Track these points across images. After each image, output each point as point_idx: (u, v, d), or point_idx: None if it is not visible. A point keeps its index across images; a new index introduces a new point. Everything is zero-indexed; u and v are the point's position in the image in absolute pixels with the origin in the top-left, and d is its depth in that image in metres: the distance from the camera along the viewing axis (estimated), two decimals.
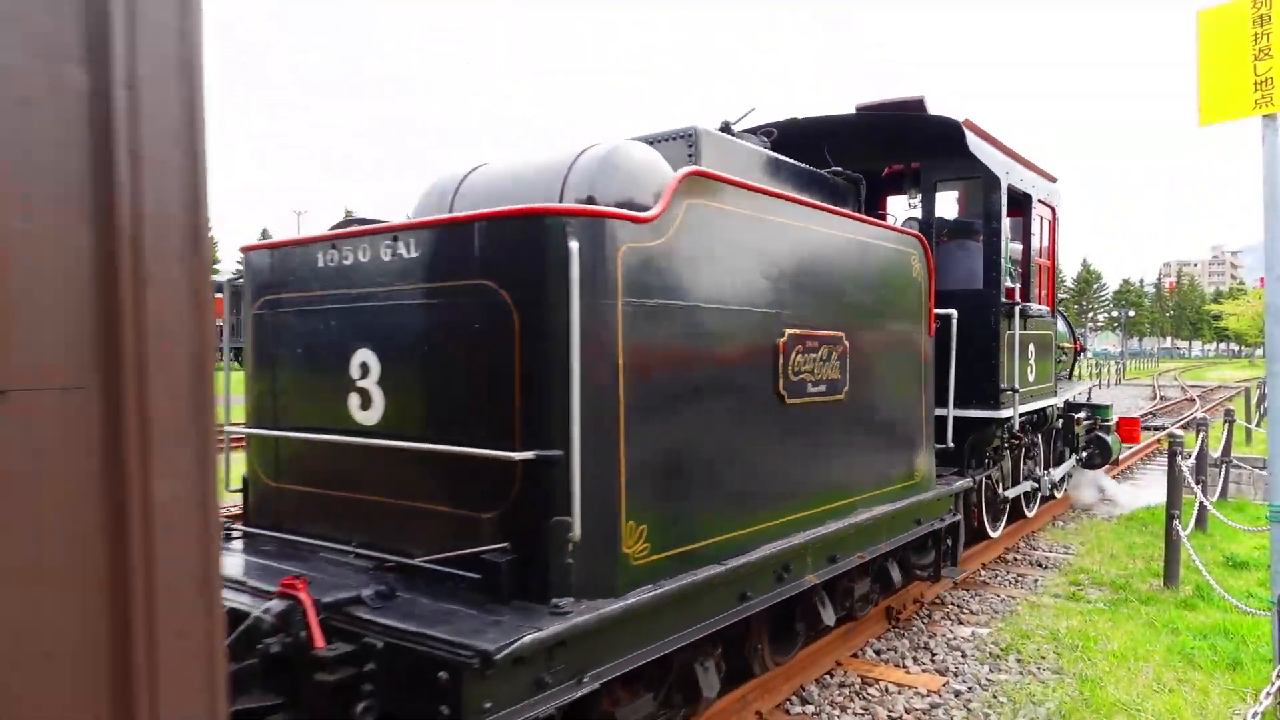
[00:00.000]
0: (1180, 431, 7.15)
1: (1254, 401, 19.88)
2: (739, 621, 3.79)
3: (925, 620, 6.07)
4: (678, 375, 3.51)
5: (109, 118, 1.06)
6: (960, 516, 6.12)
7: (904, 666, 5.23)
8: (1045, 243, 7.94)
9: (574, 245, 3.03)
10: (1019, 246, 7.52)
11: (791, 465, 4.22)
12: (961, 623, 6.05)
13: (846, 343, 4.59)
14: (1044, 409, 8.06)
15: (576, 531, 3.01)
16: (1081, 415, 9.89)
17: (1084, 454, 9.96)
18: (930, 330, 5.61)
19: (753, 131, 5.65)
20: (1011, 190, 6.76)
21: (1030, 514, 8.74)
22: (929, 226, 6.71)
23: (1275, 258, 4.53)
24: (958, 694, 4.81)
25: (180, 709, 1.13)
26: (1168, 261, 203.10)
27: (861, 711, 4.60)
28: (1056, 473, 9.05)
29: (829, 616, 4.63)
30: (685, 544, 3.53)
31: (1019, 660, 5.27)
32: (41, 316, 1.02)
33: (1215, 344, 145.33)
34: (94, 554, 1.06)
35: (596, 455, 3.14)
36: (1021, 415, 6.97)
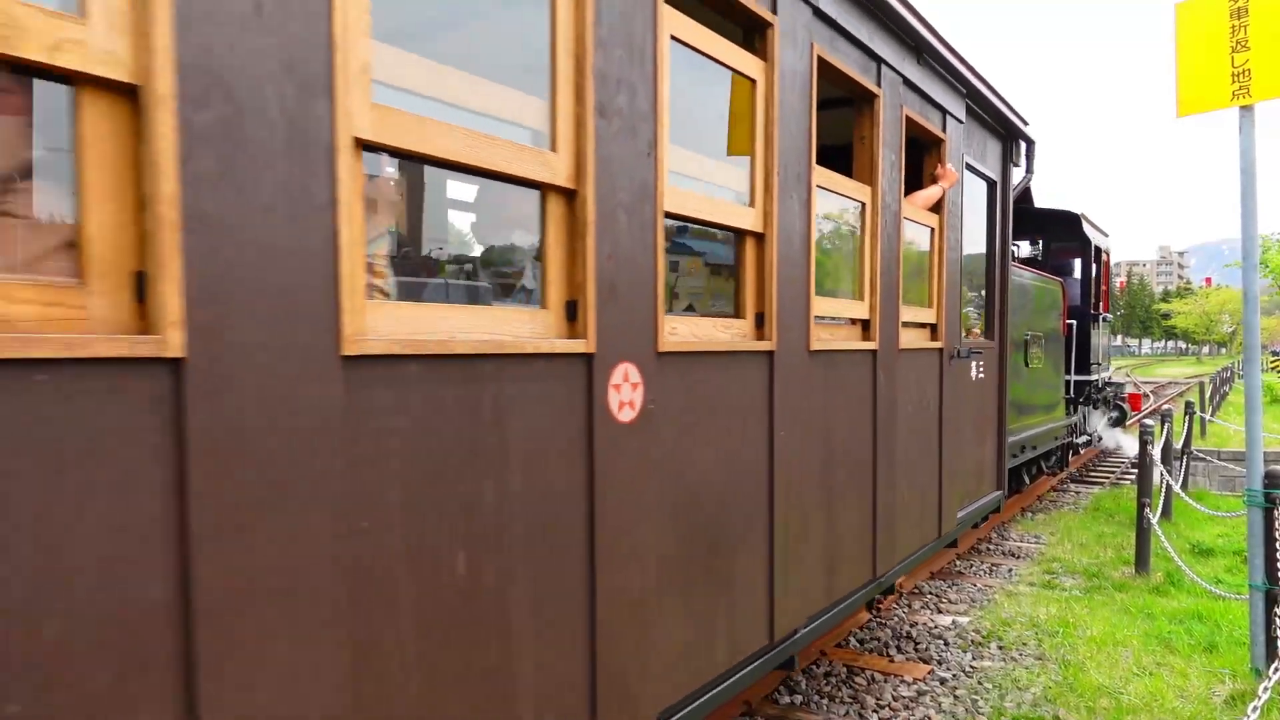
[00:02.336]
0: (1150, 422, 7.28)
1: (1208, 395, 20.39)
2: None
3: (906, 610, 6.10)
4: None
5: None
6: (1073, 438, 11.44)
7: (888, 656, 5.24)
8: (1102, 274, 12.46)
9: None
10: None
11: (1029, 397, 8.85)
12: (941, 612, 6.09)
13: (1041, 337, 9.16)
14: (1100, 379, 12.66)
15: None
16: (1107, 390, 13.64)
17: (1112, 415, 13.59)
18: (1064, 330, 10.40)
19: None
20: (1099, 246, 12.03)
21: (1082, 452, 13.16)
22: (1056, 269, 11.11)
23: (1252, 246, 4.62)
24: (943, 681, 4.83)
25: None
26: (1117, 261, 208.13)
27: (850, 700, 4.60)
28: (1100, 426, 12.99)
29: (1027, 479, 9.99)
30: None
31: (1001, 647, 5.31)
32: None
33: (1164, 342, 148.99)
34: None
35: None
36: (1093, 379, 12.05)
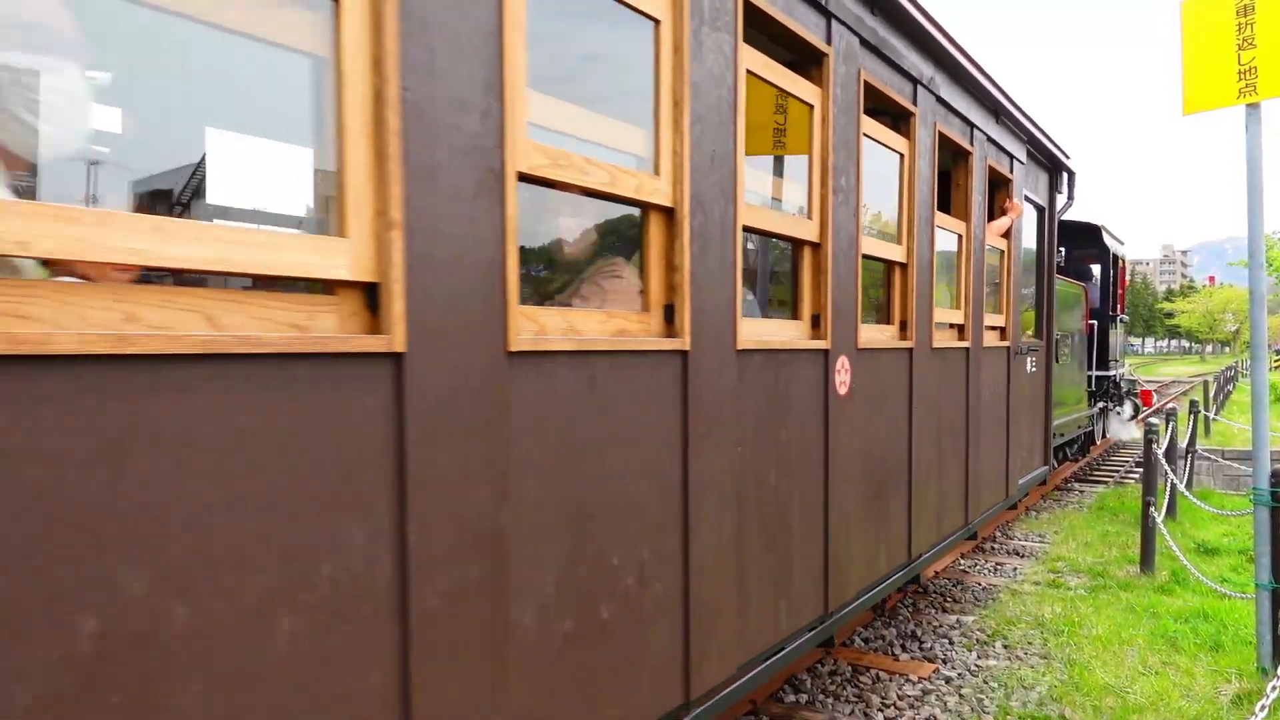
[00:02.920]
0: (1156, 421, 7.28)
1: (1211, 394, 20.35)
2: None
3: (910, 610, 6.09)
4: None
5: None
6: (1093, 427, 12.86)
7: (893, 655, 5.24)
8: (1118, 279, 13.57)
9: None
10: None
11: (1058, 390, 9.03)
12: (946, 611, 6.08)
13: (1069, 336, 10.29)
14: (1118, 375, 13.97)
15: None
16: (1123, 385, 14.74)
17: (1126, 407, 14.70)
18: (1086, 330, 11.69)
19: None
20: (1116, 254, 13.13)
21: (1098, 442, 13.87)
22: (1078, 274, 12.12)
23: (1258, 245, 4.60)
24: (948, 680, 4.82)
25: None
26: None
27: (855, 699, 4.60)
28: (1114, 420, 14.12)
29: (1056, 462, 10.79)
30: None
31: (1006, 646, 5.31)
32: None
33: (1167, 340, 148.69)
34: None
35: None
36: (1111, 374, 13.29)
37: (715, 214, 2.89)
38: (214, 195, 2.64)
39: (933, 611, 6.06)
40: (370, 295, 1.77)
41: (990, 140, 6.04)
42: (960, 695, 4.60)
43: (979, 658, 5.15)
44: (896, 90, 4.49)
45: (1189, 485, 10.65)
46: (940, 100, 5.05)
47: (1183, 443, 10.70)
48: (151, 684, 1.41)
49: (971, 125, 5.66)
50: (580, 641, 2.37)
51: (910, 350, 4.66)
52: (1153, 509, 6.77)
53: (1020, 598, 6.30)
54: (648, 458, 2.62)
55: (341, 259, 1.72)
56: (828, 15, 3.63)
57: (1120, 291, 13.35)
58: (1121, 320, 13.73)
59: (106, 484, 1.35)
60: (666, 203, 2.69)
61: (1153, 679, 4.68)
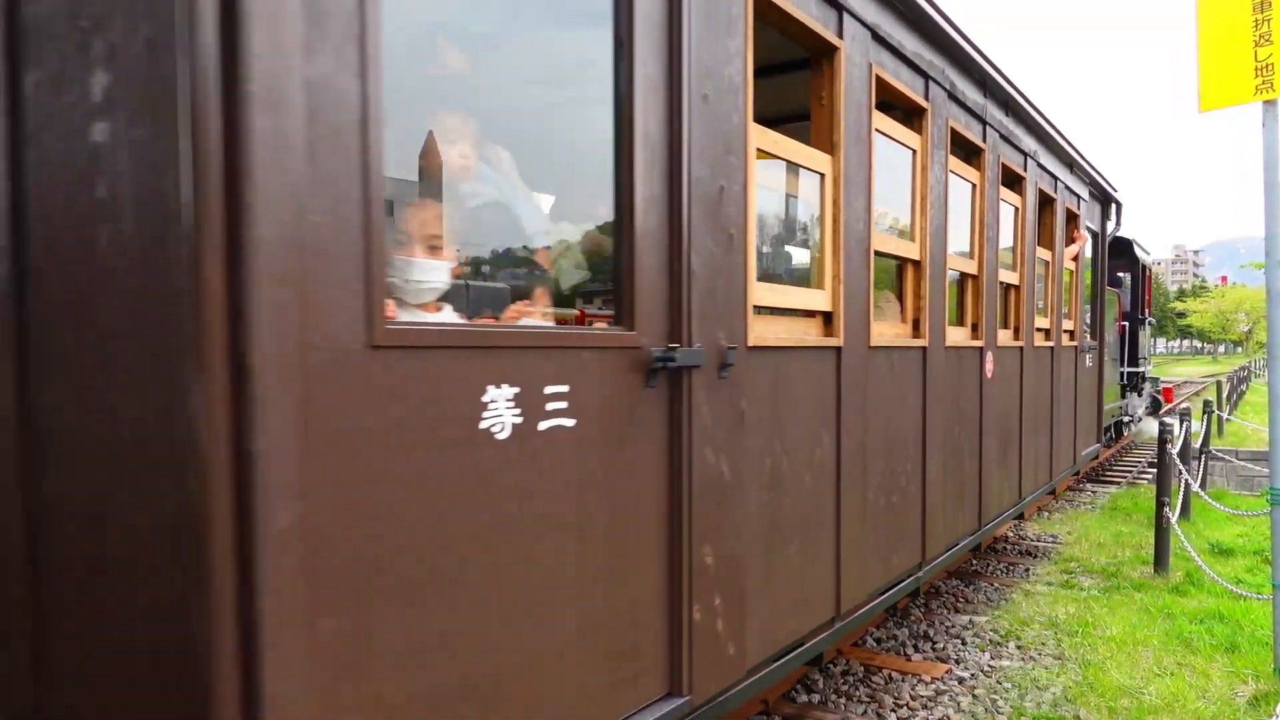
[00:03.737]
0: (1170, 421, 7.24)
1: (1225, 394, 20.22)
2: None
3: (922, 610, 6.07)
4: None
5: None
6: (1125, 417, 13.91)
7: (905, 655, 5.22)
8: (1145, 285, 15.12)
9: None
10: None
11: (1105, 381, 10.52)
12: (959, 611, 6.05)
13: (1107, 338, 10.60)
14: (1143, 371, 15.27)
15: None
16: (1146, 384, 16.16)
17: (1149, 404, 16.15)
18: (1119, 330, 12.90)
19: None
20: (1144, 263, 14.71)
21: (1125, 433, 14.81)
22: (1111, 281, 12.52)
23: (1275, 243, 4.56)
24: (961, 680, 4.80)
25: None
26: None
27: (868, 699, 4.58)
28: (1140, 412, 15.35)
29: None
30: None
31: (1019, 647, 5.27)
32: None
33: (1179, 341, 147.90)
34: None
35: None
36: (1140, 370, 14.68)
37: (941, 263, 4.99)
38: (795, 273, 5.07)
39: (945, 611, 6.03)
40: (827, 318, 3.81)
41: (1067, 187, 8.15)
42: (974, 696, 4.57)
43: (992, 658, 5.12)
44: (1017, 165, 6.58)
45: (1202, 486, 10.57)
46: (1040, 166, 7.19)
47: (1197, 443, 10.64)
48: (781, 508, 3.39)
49: (1056, 178, 7.72)
50: (888, 513, 4.37)
51: (1021, 348, 6.63)
52: (1167, 509, 6.72)
53: (1033, 598, 6.26)
54: (909, 411, 4.58)
55: (820, 299, 3.77)
56: (984, 123, 5.77)
57: (1147, 296, 15.08)
58: (1149, 322, 15.69)
59: (778, 400, 3.34)
60: (917, 257, 4.77)
61: (1168, 680, 4.64)
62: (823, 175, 3.72)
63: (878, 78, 4.04)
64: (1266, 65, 4.45)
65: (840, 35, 3.67)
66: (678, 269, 2.68)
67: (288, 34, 1.63)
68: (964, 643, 5.38)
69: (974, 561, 7.35)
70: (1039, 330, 7.14)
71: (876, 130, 4.02)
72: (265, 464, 1.61)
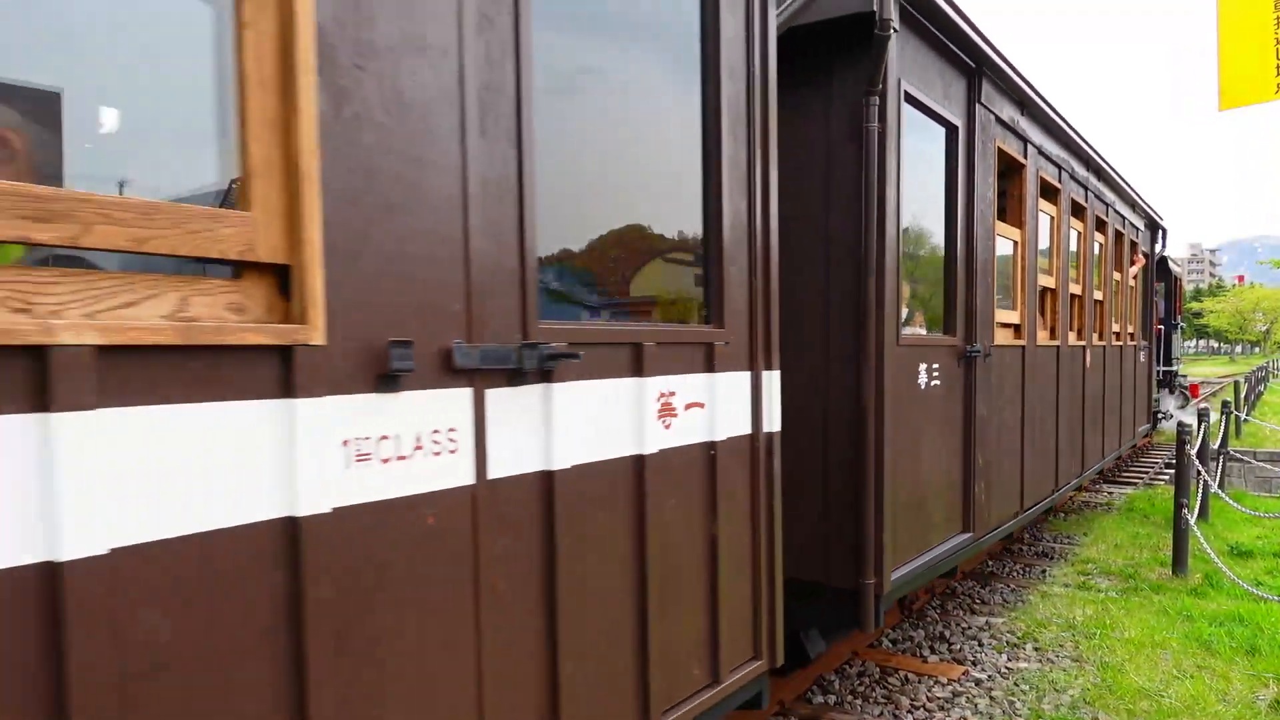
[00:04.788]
0: (1188, 420, 7.18)
1: (1243, 395, 20.05)
2: None
3: (938, 611, 6.04)
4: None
5: None
6: (1160, 408, 14.61)
7: (921, 656, 5.20)
8: (1177, 295, 17.12)
9: None
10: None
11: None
12: (975, 613, 6.02)
13: (1152, 334, 12.90)
14: (1176, 369, 17.11)
15: None
16: (1177, 380, 17.67)
17: (1180, 399, 17.22)
18: (1156, 333, 13.79)
19: None
20: (1175, 275, 16.62)
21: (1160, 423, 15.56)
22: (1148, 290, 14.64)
23: None
24: (978, 682, 4.77)
25: None
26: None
27: (884, 700, 4.56)
28: (1171, 407, 16.29)
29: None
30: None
31: (1036, 648, 5.24)
32: None
33: (1195, 341, 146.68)
34: None
35: None
36: (1173, 369, 16.43)
37: (1065, 288, 7.31)
38: None
39: (960, 613, 6.00)
40: (1017, 329, 6.19)
41: (1131, 224, 10.80)
42: (991, 698, 4.55)
43: (1009, 660, 5.09)
44: (1103, 214, 9.01)
45: (1220, 487, 10.49)
46: (1117, 212, 9.77)
47: (1215, 444, 10.54)
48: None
49: (1124, 218, 10.30)
50: (1042, 453, 6.58)
51: (1105, 347, 8.95)
52: (1185, 510, 6.67)
53: (1050, 599, 6.23)
54: (1051, 389, 6.75)
55: (1015, 316, 6.20)
56: (1086, 189, 8.03)
57: (1178, 304, 17.46)
58: (1180, 327, 18.32)
59: (1002, 376, 5.72)
60: (1054, 286, 7.08)
61: (1188, 683, 4.60)
62: (1016, 241, 6.29)
63: (1040, 177, 6.59)
64: None
65: (1024, 156, 6.21)
66: (972, 304, 5.12)
67: None
68: (981, 644, 5.35)
69: (989, 562, 7.32)
70: (1114, 333, 9.71)
71: (1040, 210, 6.67)
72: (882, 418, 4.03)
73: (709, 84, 2.77)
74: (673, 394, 2.56)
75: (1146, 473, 12.57)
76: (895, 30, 3.86)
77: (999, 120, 5.62)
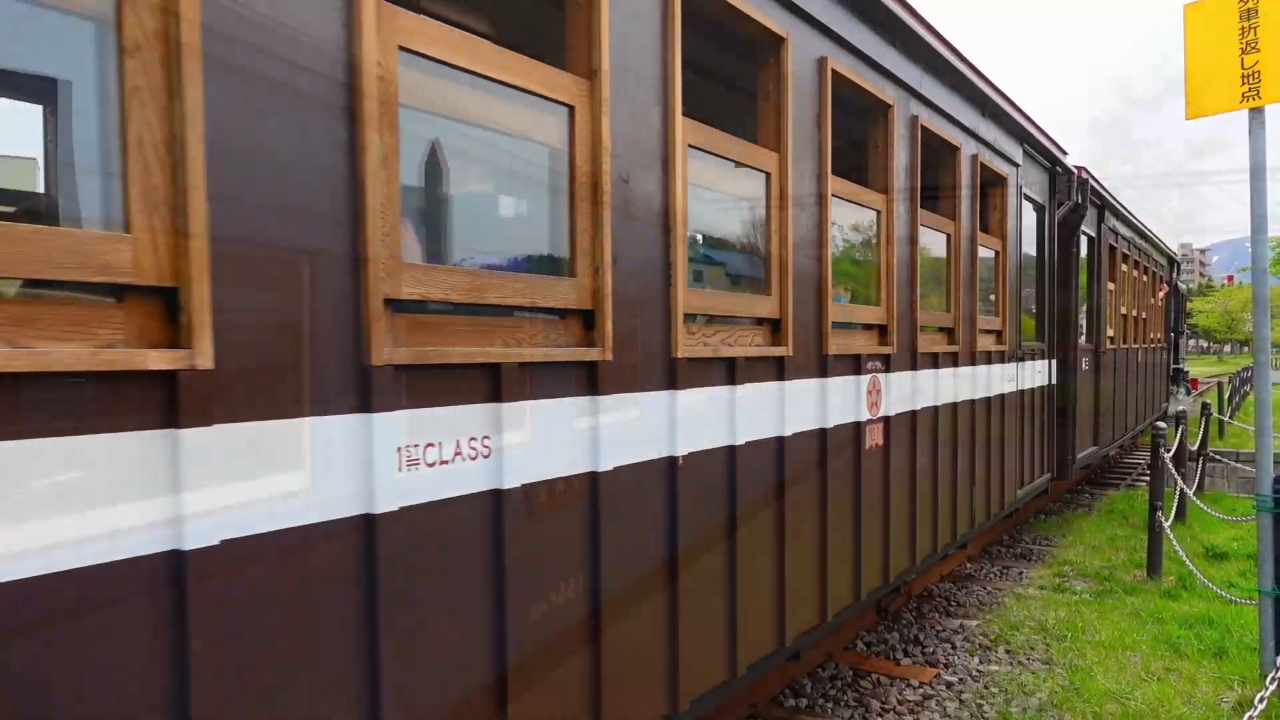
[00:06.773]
0: (1162, 425, 7.23)
1: (1227, 396, 20.19)
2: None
3: (914, 614, 6.09)
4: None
5: None
6: (1169, 400, 17.27)
7: (895, 659, 5.24)
8: (1183, 305, 19.62)
9: None
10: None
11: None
12: (949, 615, 6.08)
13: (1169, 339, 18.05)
14: (1183, 368, 19.08)
15: None
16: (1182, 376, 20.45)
17: (1185, 391, 19.08)
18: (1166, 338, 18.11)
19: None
20: (1182, 293, 19.51)
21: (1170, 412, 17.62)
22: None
23: (1261, 251, 4.58)
24: (949, 685, 4.82)
25: None
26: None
27: (855, 703, 4.61)
28: (1179, 398, 18.45)
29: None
30: None
31: (1008, 651, 5.30)
32: None
33: (1185, 340, 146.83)
34: None
35: None
36: (1180, 367, 18.60)
37: (1134, 312, 12.89)
38: None
39: (936, 615, 6.05)
40: (1112, 339, 11.15)
41: (1156, 260, 14.89)
42: (960, 700, 4.60)
43: (981, 662, 5.14)
44: (1148, 261, 14.29)
45: (1201, 488, 10.58)
46: (1153, 258, 14.63)
47: (1194, 445, 10.64)
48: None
49: (1158, 261, 15.22)
50: (1122, 407, 11.89)
51: (1145, 347, 13.40)
52: (1159, 513, 6.73)
53: (1025, 602, 6.28)
54: (1132, 366, 12.61)
55: (1113, 331, 11.50)
56: (1145, 254, 14.06)
57: (1184, 312, 20.03)
58: (1184, 333, 20.74)
59: (1114, 366, 11.35)
60: (1131, 314, 12.62)
61: (1155, 685, 4.66)
62: (1111, 290, 10.17)
63: (1122, 252, 11.81)
64: (1253, 73, 4.47)
65: (1117, 242, 11.25)
66: (1096, 322, 9.84)
67: None
68: (954, 647, 5.41)
69: (968, 565, 7.37)
70: (1151, 337, 14.12)
71: (1120, 270, 11.70)
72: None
73: (1041, 248, 7.79)
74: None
75: (1129, 474, 12.67)
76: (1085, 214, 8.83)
77: (1112, 230, 10.76)
